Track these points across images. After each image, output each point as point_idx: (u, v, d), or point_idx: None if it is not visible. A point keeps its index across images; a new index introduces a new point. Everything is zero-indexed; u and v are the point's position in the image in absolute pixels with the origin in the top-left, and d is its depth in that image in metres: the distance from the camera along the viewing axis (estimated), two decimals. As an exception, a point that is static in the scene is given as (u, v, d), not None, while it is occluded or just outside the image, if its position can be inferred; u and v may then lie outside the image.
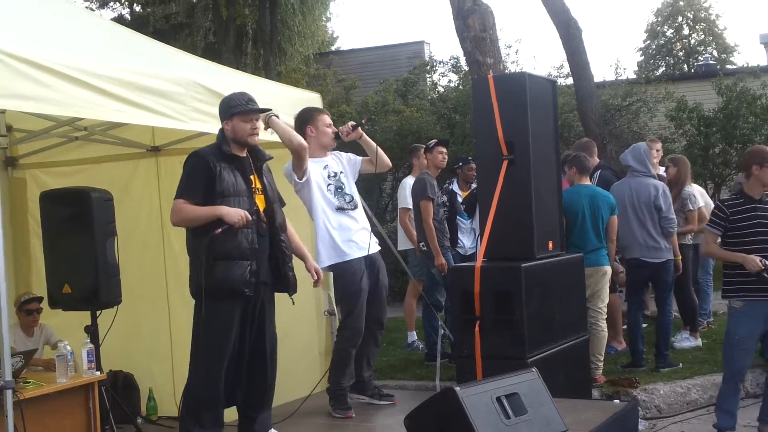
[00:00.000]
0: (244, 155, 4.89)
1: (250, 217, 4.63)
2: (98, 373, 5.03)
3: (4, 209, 6.96)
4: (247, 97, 4.85)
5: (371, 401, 5.82)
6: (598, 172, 8.21)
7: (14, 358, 4.64)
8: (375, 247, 5.71)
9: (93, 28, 6.02)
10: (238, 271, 4.64)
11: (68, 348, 4.94)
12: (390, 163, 5.88)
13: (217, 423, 4.81)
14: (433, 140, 8.32)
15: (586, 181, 7.41)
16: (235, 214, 4.59)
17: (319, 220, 5.56)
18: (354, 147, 6.00)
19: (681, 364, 7.44)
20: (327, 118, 5.73)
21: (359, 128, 5.69)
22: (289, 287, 4.98)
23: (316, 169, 5.57)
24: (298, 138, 5.35)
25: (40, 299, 6.00)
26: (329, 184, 5.59)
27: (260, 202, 4.87)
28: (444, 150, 8.10)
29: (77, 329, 5.46)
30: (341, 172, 5.71)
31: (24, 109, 4.37)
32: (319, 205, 5.55)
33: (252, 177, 4.88)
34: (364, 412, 5.72)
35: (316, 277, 5.34)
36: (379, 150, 5.75)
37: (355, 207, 5.68)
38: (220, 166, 4.69)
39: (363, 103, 18.46)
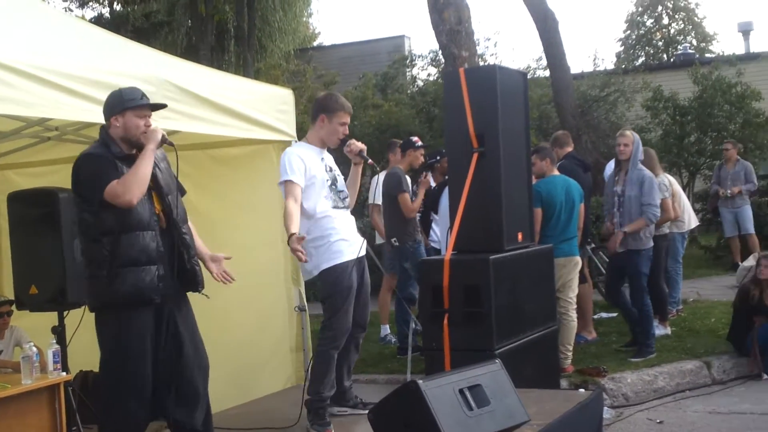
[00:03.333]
0: (134, 153, 4.41)
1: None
2: (64, 374, 5.02)
3: (-24, 211, 7.00)
4: (140, 92, 4.44)
5: (354, 412, 5.45)
6: (561, 161, 8.26)
7: (-21, 361, 4.66)
8: (364, 248, 5.39)
9: (62, 27, 6.01)
10: (147, 277, 4.26)
11: (34, 349, 4.92)
12: (352, 206, 5.53)
13: None
14: (419, 140, 8.36)
15: (556, 172, 7.48)
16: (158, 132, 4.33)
17: (314, 223, 5.19)
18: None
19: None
20: (345, 117, 5.32)
21: (363, 161, 5.38)
22: (198, 284, 4.56)
23: (316, 158, 5.28)
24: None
25: (10, 302, 6.00)
26: (327, 180, 5.26)
27: (154, 199, 4.45)
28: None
29: (49, 330, 5.42)
30: (333, 169, 5.42)
31: (-11, 109, 4.37)
32: (319, 203, 5.21)
33: None
34: (342, 422, 5.41)
35: (225, 280, 4.75)
36: (356, 189, 5.55)
37: (348, 206, 5.41)
38: (121, 167, 4.29)
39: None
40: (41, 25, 5.63)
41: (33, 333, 6.15)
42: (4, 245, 6.84)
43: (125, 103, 4.36)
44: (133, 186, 4.18)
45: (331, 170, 5.37)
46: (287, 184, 5.12)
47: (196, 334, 4.64)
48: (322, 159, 5.35)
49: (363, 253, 5.35)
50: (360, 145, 5.34)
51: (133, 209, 4.24)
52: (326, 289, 5.25)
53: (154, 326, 4.36)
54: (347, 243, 5.24)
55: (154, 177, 4.42)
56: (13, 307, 5.89)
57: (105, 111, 4.46)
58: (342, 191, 5.37)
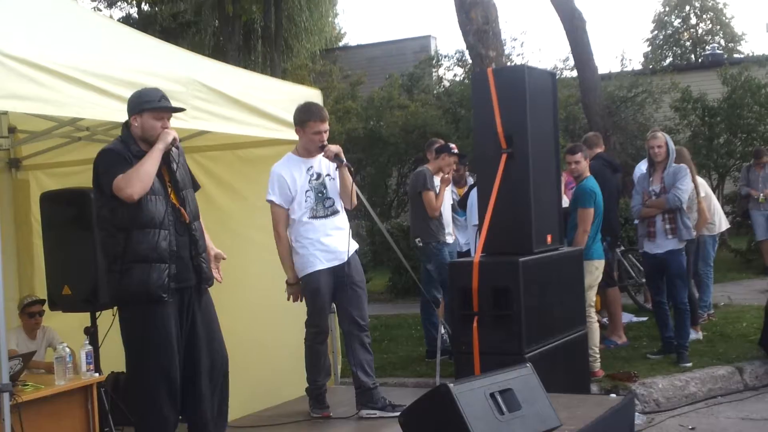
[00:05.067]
0: None
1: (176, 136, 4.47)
2: (97, 374, 5.03)
3: (8, 211, 7.05)
4: (160, 94, 4.51)
5: (383, 414, 5.35)
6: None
7: (13, 361, 4.66)
8: (351, 249, 5.46)
9: (94, 27, 6.01)
10: (155, 274, 4.33)
11: (67, 350, 4.95)
12: (354, 205, 5.57)
13: None
14: (456, 148, 8.27)
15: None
16: (170, 134, 4.41)
17: (293, 230, 5.44)
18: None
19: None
20: (318, 125, 5.38)
21: (341, 164, 5.37)
22: (201, 279, 4.59)
23: (300, 170, 5.44)
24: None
25: (42, 302, 6.02)
26: (307, 190, 5.40)
27: (172, 197, 4.54)
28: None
29: (79, 331, 5.45)
30: (327, 175, 5.47)
31: (22, 109, 4.37)
32: (297, 212, 5.40)
33: (162, 170, 4.52)
34: (372, 424, 5.37)
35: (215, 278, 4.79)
36: (354, 189, 5.50)
37: (335, 213, 5.47)
38: (134, 163, 4.39)
39: (368, 98, 18.48)
40: (72, 24, 5.64)
41: (62, 334, 6.18)
42: (36, 246, 6.90)
43: (143, 105, 4.46)
44: (134, 181, 4.28)
45: (318, 177, 5.46)
46: (272, 205, 5.46)
47: (214, 331, 4.70)
48: (309, 168, 5.47)
49: (343, 259, 5.41)
50: (334, 149, 5.36)
51: (145, 207, 4.33)
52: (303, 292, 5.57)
53: (177, 319, 4.46)
54: (321, 252, 5.39)
55: (172, 174, 4.55)
56: (45, 307, 5.91)
57: (127, 109, 4.54)
58: (329, 199, 5.46)
